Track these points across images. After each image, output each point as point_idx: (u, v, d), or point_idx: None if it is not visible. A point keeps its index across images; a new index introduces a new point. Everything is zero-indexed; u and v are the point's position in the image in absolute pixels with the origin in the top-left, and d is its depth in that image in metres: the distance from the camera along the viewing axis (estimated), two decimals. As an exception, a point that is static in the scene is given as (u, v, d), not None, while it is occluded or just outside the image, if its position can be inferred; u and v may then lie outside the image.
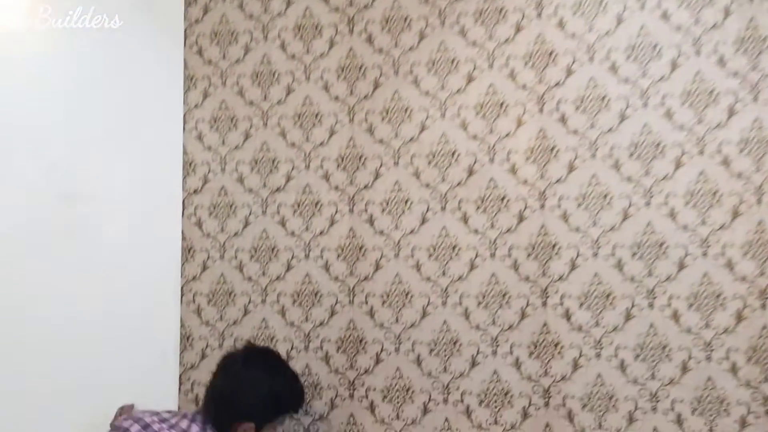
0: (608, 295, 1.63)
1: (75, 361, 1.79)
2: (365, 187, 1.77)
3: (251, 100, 1.84)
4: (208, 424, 1.50)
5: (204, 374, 1.80)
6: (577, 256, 1.65)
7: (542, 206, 1.67)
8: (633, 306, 1.61)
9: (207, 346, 1.82)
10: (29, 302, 1.78)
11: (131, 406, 1.74)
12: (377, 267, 1.75)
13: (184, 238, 1.85)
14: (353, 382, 1.74)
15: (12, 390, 1.75)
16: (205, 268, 1.84)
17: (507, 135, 1.70)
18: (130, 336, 1.81)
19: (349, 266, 1.76)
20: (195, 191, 1.86)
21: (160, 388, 1.79)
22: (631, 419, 1.60)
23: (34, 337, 1.81)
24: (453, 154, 1.72)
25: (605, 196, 1.64)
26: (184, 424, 1.49)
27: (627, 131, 1.64)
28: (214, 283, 1.83)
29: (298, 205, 1.80)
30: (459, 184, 1.72)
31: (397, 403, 1.71)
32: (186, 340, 1.83)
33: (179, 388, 1.82)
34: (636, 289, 1.61)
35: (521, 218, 1.68)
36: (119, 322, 1.82)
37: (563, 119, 1.67)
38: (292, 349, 1.78)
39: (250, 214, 1.83)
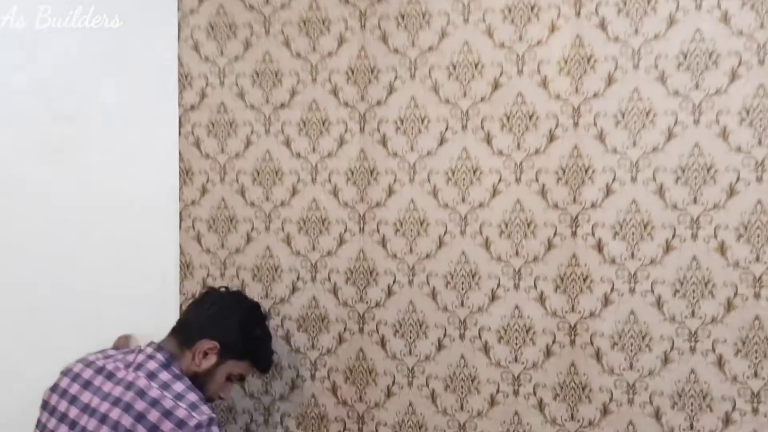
0: (646, 225, 1.46)
1: (71, 290, 1.71)
2: (378, 103, 1.60)
3: (251, 4, 1.66)
4: (175, 361, 1.39)
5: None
6: (612, 181, 1.47)
7: (576, 124, 1.49)
8: (674, 237, 1.45)
9: (208, 275, 1.71)
10: (20, 231, 1.71)
11: (129, 336, 1.65)
12: (390, 192, 1.60)
13: (181, 159, 1.71)
14: (363, 315, 1.62)
15: (8, 321, 1.69)
16: (204, 191, 1.71)
17: (538, 43, 1.49)
18: (128, 264, 1.72)
19: (359, 191, 1.62)
20: (192, 107, 1.70)
21: (160, 318, 1.67)
22: (666, 360, 1.45)
23: (27, 267, 1.73)
24: (476, 65, 1.53)
25: (648, 113, 1.45)
26: (140, 358, 1.38)
27: (675, 38, 1.43)
28: (214, 209, 1.70)
29: (304, 124, 1.64)
30: (482, 99, 1.53)
31: (410, 338, 1.59)
32: (186, 268, 1.72)
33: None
34: (678, 217, 1.44)
35: (551, 138, 1.50)
36: (115, 250, 1.73)
37: (603, 24, 1.46)
38: (298, 279, 1.66)
39: (251, 133, 1.67)
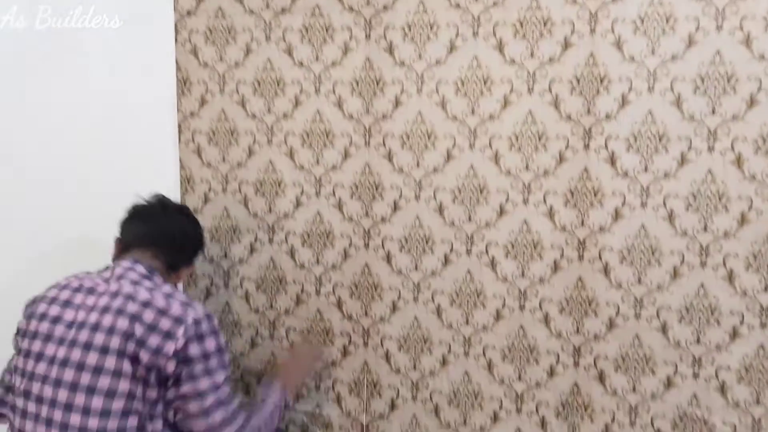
0: (661, 137, 1.41)
1: (68, 207, 1.69)
2: (384, 8, 1.51)
3: None
4: (155, 272, 1.37)
5: (207, 220, 1.66)
6: (629, 91, 1.41)
7: (592, 30, 1.41)
8: (690, 149, 1.40)
9: (210, 189, 1.66)
10: (19, 144, 1.67)
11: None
12: (397, 103, 1.54)
13: (178, 69, 1.63)
14: (368, 230, 1.59)
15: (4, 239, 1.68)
16: (203, 103, 1.64)
17: (555, -58, 1.41)
18: (126, 179, 1.66)
19: (365, 102, 1.56)
20: (188, 13, 1.61)
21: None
22: (675, 274, 1.44)
23: (26, 179, 1.70)
24: (489, -34, 1.45)
25: (668, 19, 1.38)
26: (118, 271, 1.34)
27: (702, -63, 1.35)
28: (214, 121, 1.64)
29: (307, 30, 1.56)
30: (494, 3, 1.46)
31: (416, 253, 1.57)
32: (187, 182, 1.68)
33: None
34: (695, 129, 1.40)
35: (567, 45, 1.43)
36: (114, 166, 1.69)
37: None
38: (302, 194, 1.62)
39: (251, 40, 1.59)
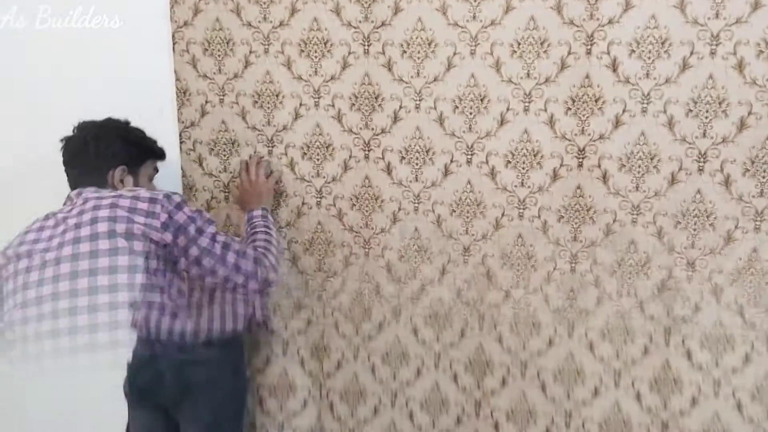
0: (664, 41, 1.40)
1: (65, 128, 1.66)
2: None
3: None
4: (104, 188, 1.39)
5: (206, 132, 1.65)
6: (633, -6, 1.40)
7: (598, -70, 1.38)
8: (692, 53, 1.39)
9: (206, 102, 1.64)
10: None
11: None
12: (396, 10, 1.50)
13: (171, -24, 1.59)
14: (368, 142, 1.59)
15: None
16: (197, 11, 1.59)
17: None
18: (121, 92, 1.64)
19: (363, 9, 1.52)
20: None
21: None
22: (672, 180, 1.46)
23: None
24: None
25: None
26: (73, 196, 1.37)
27: None
28: (208, 30, 1.60)
29: (303, -67, 1.51)
30: None
31: (416, 165, 1.57)
32: (183, 94, 1.65)
33: (180, 147, 1.68)
34: (698, 33, 1.38)
35: (571, -54, 1.40)
36: (106, 78, 1.65)
37: None
38: (300, 106, 1.60)
39: (245, -56, 1.54)
